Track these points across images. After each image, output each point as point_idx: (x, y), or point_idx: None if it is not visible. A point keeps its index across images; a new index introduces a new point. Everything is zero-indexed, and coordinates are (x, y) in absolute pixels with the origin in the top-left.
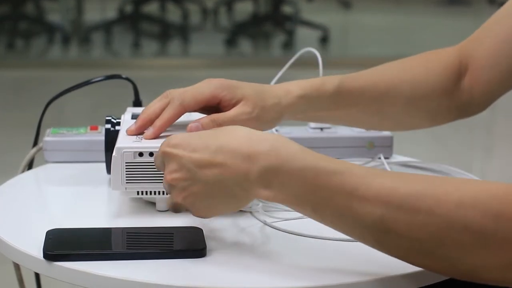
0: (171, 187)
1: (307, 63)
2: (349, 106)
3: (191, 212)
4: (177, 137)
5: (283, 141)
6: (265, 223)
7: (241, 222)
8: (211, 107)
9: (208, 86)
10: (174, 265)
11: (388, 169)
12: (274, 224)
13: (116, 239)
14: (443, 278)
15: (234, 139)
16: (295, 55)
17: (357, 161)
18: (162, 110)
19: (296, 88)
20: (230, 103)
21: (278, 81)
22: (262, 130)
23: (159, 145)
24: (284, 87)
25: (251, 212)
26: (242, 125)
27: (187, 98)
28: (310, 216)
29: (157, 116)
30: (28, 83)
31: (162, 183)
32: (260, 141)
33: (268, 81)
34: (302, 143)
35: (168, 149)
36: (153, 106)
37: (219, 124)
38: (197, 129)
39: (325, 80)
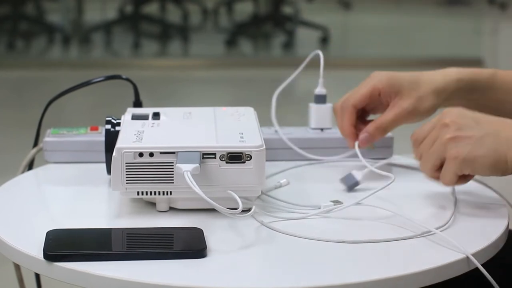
0: (445, 131)
1: (308, 63)
2: (506, 93)
3: (456, 150)
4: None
5: None
6: (262, 224)
7: (241, 222)
8: (375, 99)
9: (369, 81)
10: (174, 266)
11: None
12: (273, 225)
13: (116, 240)
14: (442, 278)
15: None
16: (305, 59)
17: (357, 162)
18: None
19: (454, 71)
20: (389, 94)
21: (280, 84)
22: (421, 119)
23: (159, 145)
24: (442, 72)
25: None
26: (403, 121)
27: (352, 97)
28: None
29: (346, 129)
30: (28, 83)
31: (162, 183)
32: None
33: (268, 81)
34: (303, 143)
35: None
36: (339, 123)
37: (384, 129)
38: (366, 139)
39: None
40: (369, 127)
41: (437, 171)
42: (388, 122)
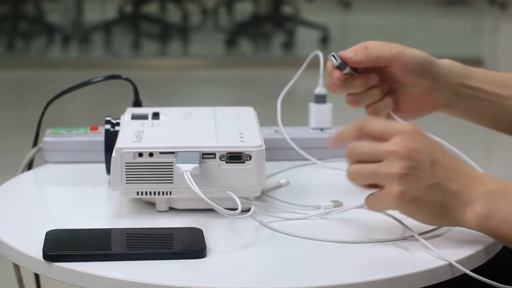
0: (397, 163)
1: (308, 63)
2: (480, 82)
3: (397, 204)
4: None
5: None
6: (262, 223)
7: (240, 222)
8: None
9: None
10: (174, 266)
11: None
12: (272, 225)
13: (115, 240)
14: (442, 279)
15: None
16: (305, 59)
17: None
18: None
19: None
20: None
21: (280, 84)
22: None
23: (159, 145)
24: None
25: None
26: (386, 56)
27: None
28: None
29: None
30: (28, 83)
31: (161, 183)
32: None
33: (268, 81)
34: (303, 143)
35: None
36: None
37: (368, 52)
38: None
39: None
40: (354, 49)
41: (367, 186)
42: (373, 49)
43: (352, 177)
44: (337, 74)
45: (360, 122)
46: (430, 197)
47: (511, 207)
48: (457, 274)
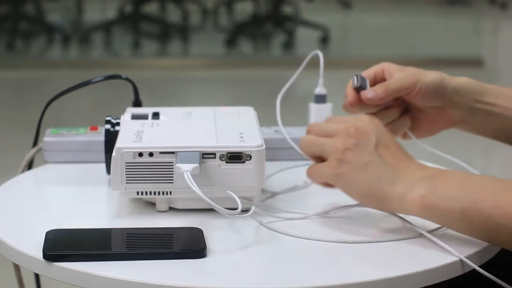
0: (342, 139)
1: (308, 63)
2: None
3: (329, 175)
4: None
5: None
6: (261, 224)
7: (241, 222)
8: (379, 76)
9: (373, 66)
10: (174, 266)
11: None
12: (272, 225)
13: (115, 240)
14: (442, 278)
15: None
16: (305, 59)
17: None
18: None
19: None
20: (392, 71)
21: (280, 84)
22: (425, 95)
23: (159, 145)
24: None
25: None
26: (406, 90)
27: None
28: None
29: (348, 90)
30: (28, 83)
31: (162, 183)
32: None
33: (268, 81)
34: None
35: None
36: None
37: (388, 90)
38: (370, 94)
39: None
40: (375, 87)
41: (314, 158)
42: (392, 83)
43: (302, 144)
44: (350, 98)
45: (330, 116)
46: (363, 173)
47: (448, 185)
48: (466, 271)
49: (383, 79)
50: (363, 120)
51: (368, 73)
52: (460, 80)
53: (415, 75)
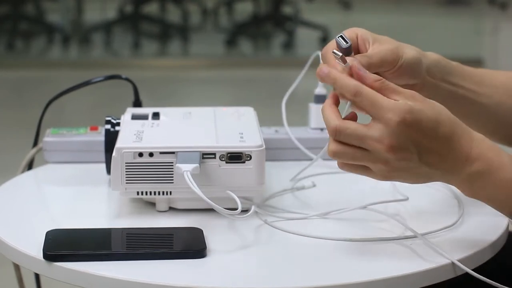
0: (391, 157)
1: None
2: (461, 79)
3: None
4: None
5: (494, 147)
6: (266, 222)
7: (241, 222)
8: (354, 42)
9: (346, 31)
10: (174, 266)
11: None
12: (274, 223)
13: (116, 240)
14: (441, 279)
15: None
16: (306, 59)
17: None
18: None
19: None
20: (367, 40)
21: (280, 84)
22: (403, 73)
23: (159, 145)
24: None
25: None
26: (387, 64)
27: (330, 44)
28: (500, 211)
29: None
30: (28, 83)
31: (162, 183)
32: (472, 141)
33: (268, 82)
34: (303, 143)
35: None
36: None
37: (369, 59)
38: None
39: None
40: (357, 56)
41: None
42: (374, 56)
43: (337, 156)
44: (327, 67)
45: (357, 88)
46: (415, 178)
47: (496, 188)
48: (458, 274)
49: (357, 47)
50: (394, 130)
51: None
52: (431, 56)
53: (397, 51)
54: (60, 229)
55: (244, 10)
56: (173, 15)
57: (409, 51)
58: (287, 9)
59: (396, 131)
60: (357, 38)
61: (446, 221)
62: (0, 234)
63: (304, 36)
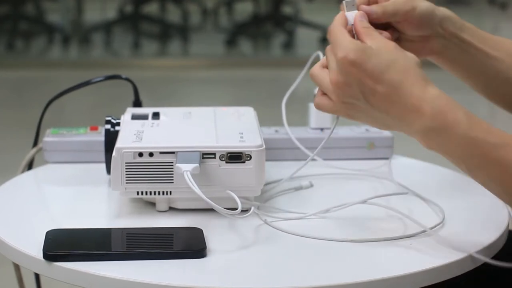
0: (338, 91)
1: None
2: (487, 45)
3: (343, 115)
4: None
5: (450, 103)
6: (266, 222)
7: (241, 222)
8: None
9: None
10: (174, 266)
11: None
12: (274, 223)
13: (116, 240)
14: (441, 279)
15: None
16: (306, 59)
17: (358, 162)
18: None
19: None
20: None
21: (280, 84)
22: (419, 22)
23: (159, 145)
24: None
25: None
26: (401, 13)
27: None
28: (458, 166)
29: None
30: (28, 83)
31: (162, 183)
32: (426, 94)
33: (268, 82)
34: (303, 143)
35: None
36: None
37: (384, 8)
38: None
39: None
40: (372, 7)
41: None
42: (389, 5)
43: (311, 76)
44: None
45: (330, 27)
46: (372, 118)
47: (450, 145)
48: (458, 273)
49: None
50: (341, 65)
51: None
52: (445, 11)
53: (411, 2)
54: (60, 229)
55: (244, 10)
56: (173, 15)
57: (423, 3)
58: (287, 9)
59: (339, 67)
60: None
61: (441, 217)
62: (0, 234)
63: (304, 36)
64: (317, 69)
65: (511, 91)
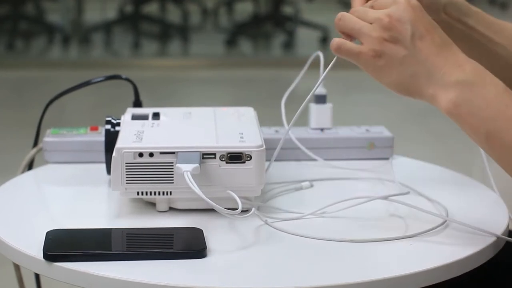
0: (386, 25)
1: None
2: (492, 31)
3: (366, 63)
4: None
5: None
6: (266, 223)
7: (240, 222)
8: None
9: None
10: (174, 266)
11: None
12: (274, 224)
13: (116, 240)
14: (442, 279)
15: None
16: (306, 59)
17: (358, 162)
18: None
19: None
20: None
21: (280, 84)
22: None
23: (159, 145)
24: None
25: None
26: None
27: None
28: (474, 135)
29: None
30: (28, 83)
31: (162, 184)
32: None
33: (269, 82)
34: (303, 143)
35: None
36: None
37: None
38: None
39: None
40: None
41: (345, 35)
42: None
43: (341, 20)
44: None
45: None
46: (401, 68)
47: (482, 101)
48: (459, 273)
49: None
50: (400, 5)
51: None
52: None
53: None
54: (60, 229)
55: (244, 10)
56: (173, 15)
57: None
58: (287, 9)
59: (397, 6)
60: None
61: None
62: (0, 234)
63: (304, 36)
64: (358, 3)
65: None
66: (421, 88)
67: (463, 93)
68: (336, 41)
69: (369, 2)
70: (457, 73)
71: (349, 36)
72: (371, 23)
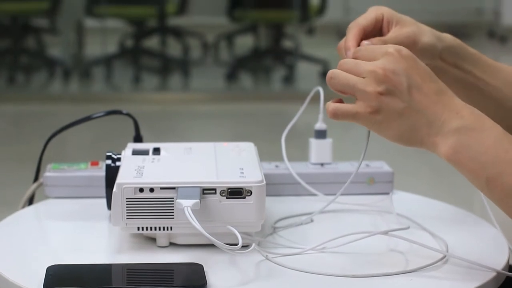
0: (382, 79)
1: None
2: (487, 73)
3: (365, 121)
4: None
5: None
6: (267, 258)
7: (241, 258)
8: (379, 24)
9: (372, 7)
10: None
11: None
12: (275, 259)
13: (116, 275)
14: None
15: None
16: (306, 94)
17: (358, 197)
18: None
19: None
20: (391, 20)
21: (281, 118)
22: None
23: (159, 180)
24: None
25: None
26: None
27: (358, 18)
28: (475, 179)
29: (349, 42)
30: (29, 117)
31: (162, 219)
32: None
33: (269, 116)
34: (303, 178)
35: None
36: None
37: (385, 42)
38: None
39: None
40: (373, 39)
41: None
42: (389, 40)
43: (332, 78)
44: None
45: (356, 49)
46: (400, 121)
47: (481, 147)
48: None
49: (380, 27)
50: (392, 57)
51: (369, 17)
52: (447, 40)
53: (414, 37)
54: (60, 265)
55: (244, 44)
56: (174, 49)
57: (426, 38)
58: (287, 43)
59: (389, 58)
60: (382, 18)
61: (442, 252)
62: (0, 269)
63: (305, 70)
64: (353, 44)
65: (506, 117)
66: (422, 138)
67: (462, 139)
68: (331, 106)
69: (353, 52)
70: (456, 120)
71: (343, 92)
72: (363, 77)
